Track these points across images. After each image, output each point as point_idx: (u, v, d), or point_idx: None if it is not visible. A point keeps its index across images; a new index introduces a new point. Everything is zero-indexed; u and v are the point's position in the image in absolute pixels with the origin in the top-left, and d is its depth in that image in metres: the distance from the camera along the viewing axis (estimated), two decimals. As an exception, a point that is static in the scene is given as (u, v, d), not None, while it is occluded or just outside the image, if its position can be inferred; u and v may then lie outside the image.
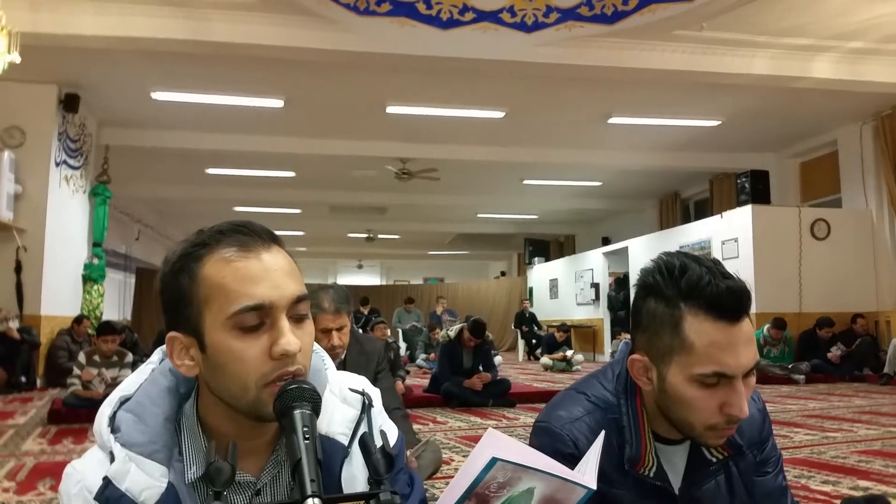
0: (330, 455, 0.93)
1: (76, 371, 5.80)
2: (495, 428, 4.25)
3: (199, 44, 6.67)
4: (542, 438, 1.19)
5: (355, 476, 0.91)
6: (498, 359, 10.02)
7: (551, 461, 0.72)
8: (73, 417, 5.25)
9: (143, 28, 6.50)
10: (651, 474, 1.16)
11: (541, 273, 18.18)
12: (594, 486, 0.74)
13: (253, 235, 0.89)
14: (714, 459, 1.21)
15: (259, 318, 0.85)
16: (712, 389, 1.07)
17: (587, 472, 0.76)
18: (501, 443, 0.71)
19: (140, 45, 6.68)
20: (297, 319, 0.89)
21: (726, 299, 1.05)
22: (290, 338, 0.85)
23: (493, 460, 0.68)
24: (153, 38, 6.57)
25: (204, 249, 0.88)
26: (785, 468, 3.38)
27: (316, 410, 0.82)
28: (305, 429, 0.77)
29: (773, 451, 1.31)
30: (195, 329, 0.87)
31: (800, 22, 7.06)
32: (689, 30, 7.12)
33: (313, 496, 0.71)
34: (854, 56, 7.79)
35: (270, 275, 0.87)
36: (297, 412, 0.79)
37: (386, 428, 1.03)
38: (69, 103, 8.06)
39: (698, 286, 1.07)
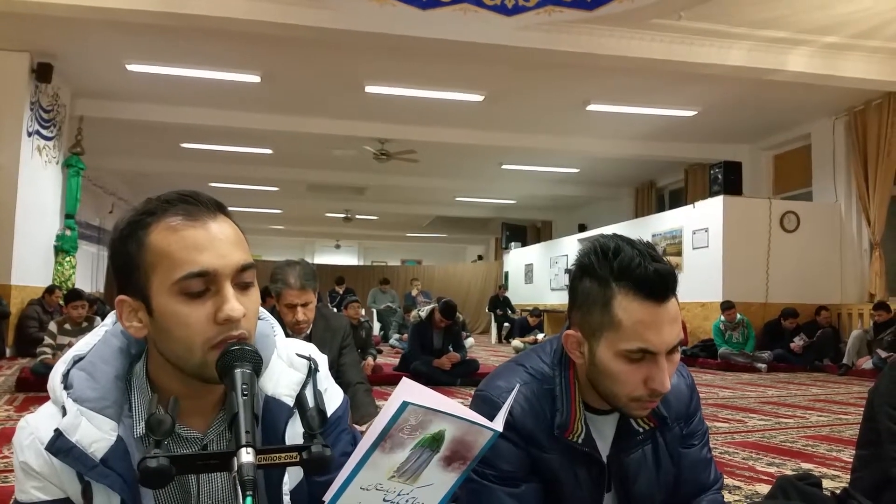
0: (275, 414, 0.98)
1: (47, 340, 5.81)
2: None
3: (174, 16, 6.59)
4: (481, 406, 1.25)
5: (298, 434, 0.96)
6: (470, 340, 10.14)
7: (460, 406, 0.78)
8: (41, 386, 5.26)
9: (118, -2, 6.43)
10: (579, 441, 1.24)
11: (517, 258, 18.32)
12: (500, 429, 0.81)
13: (199, 205, 0.93)
14: (641, 430, 1.29)
15: (204, 285, 0.89)
16: (637, 364, 1.14)
17: (496, 418, 0.82)
18: (413, 389, 0.77)
19: (114, 15, 6.58)
20: (242, 287, 0.93)
21: (654, 281, 1.12)
22: (234, 304, 0.90)
23: (405, 404, 0.74)
24: (127, 10, 6.48)
25: (151, 217, 0.91)
26: (735, 451, 3.51)
27: (256, 371, 0.87)
28: (244, 386, 0.82)
29: (699, 425, 1.39)
30: (143, 293, 0.91)
31: (777, 14, 7.14)
32: (666, 19, 7.19)
33: (247, 445, 0.76)
34: (829, 51, 7.89)
35: (215, 243, 0.91)
36: (237, 371, 0.84)
37: (329, 392, 1.09)
38: (42, 73, 7.94)
39: (629, 268, 1.14)
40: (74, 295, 6.00)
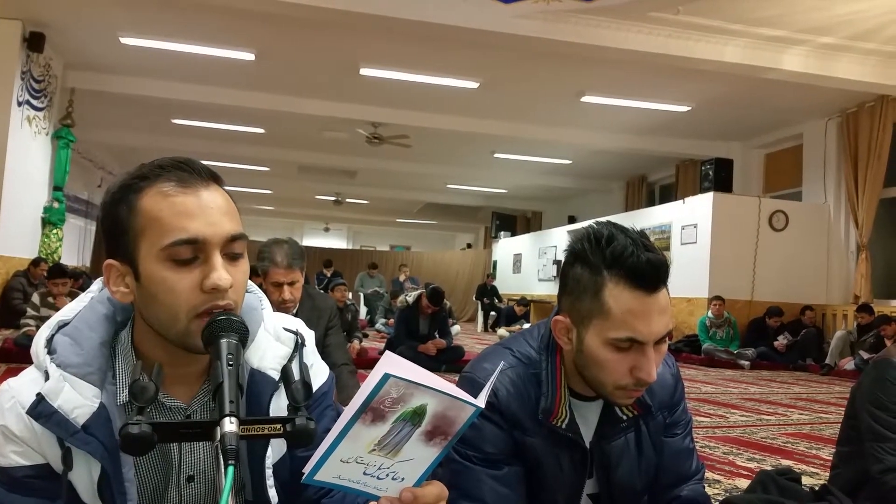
0: (260, 388, 0.98)
1: (30, 312, 5.77)
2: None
3: (171, -11, 6.53)
4: (466, 387, 1.24)
5: (282, 408, 0.95)
6: (456, 328, 10.15)
7: (442, 380, 0.78)
8: (23, 357, 5.23)
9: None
10: (563, 426, 1.24)
11: (506, 247, 18.33)
12: (482, 405, 0.80)
13: (193, 172, 0.92)
14: (625, 417, 1.29)
15: (193, 252, 0.88)
16: (625, 353, 1.14)
17: (479, 395, 0.82)
18: (395, 362, 0.77)
19: (110, -14, 6.51)
20: (231, 257, 0.92)
21: (646, 271, 1.12)
22: (222, 273, 0.89)
23: (386, 376, 0.73)
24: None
25: (143, 182, 0.91)
26: (715, 445, 3.54)
27: (243, 342, 0.86)
28: (230, 356, 0.81)
29: (683, 415, 1.40)
30: (131, 258, 0.90)
31: (774, 13, 7.13)
32: (664, 12, 7.17)
33: (231, 415, 0.74)
34: (825, 51, 7.89)
35: (206, 212, 0.90)
36: (223, 340, 0.83)
37: (315, 367, 1.08)
38: (34, 42, 7.83)
39: (622, 256, 1.13)
40: (58, 271, 5.93)
